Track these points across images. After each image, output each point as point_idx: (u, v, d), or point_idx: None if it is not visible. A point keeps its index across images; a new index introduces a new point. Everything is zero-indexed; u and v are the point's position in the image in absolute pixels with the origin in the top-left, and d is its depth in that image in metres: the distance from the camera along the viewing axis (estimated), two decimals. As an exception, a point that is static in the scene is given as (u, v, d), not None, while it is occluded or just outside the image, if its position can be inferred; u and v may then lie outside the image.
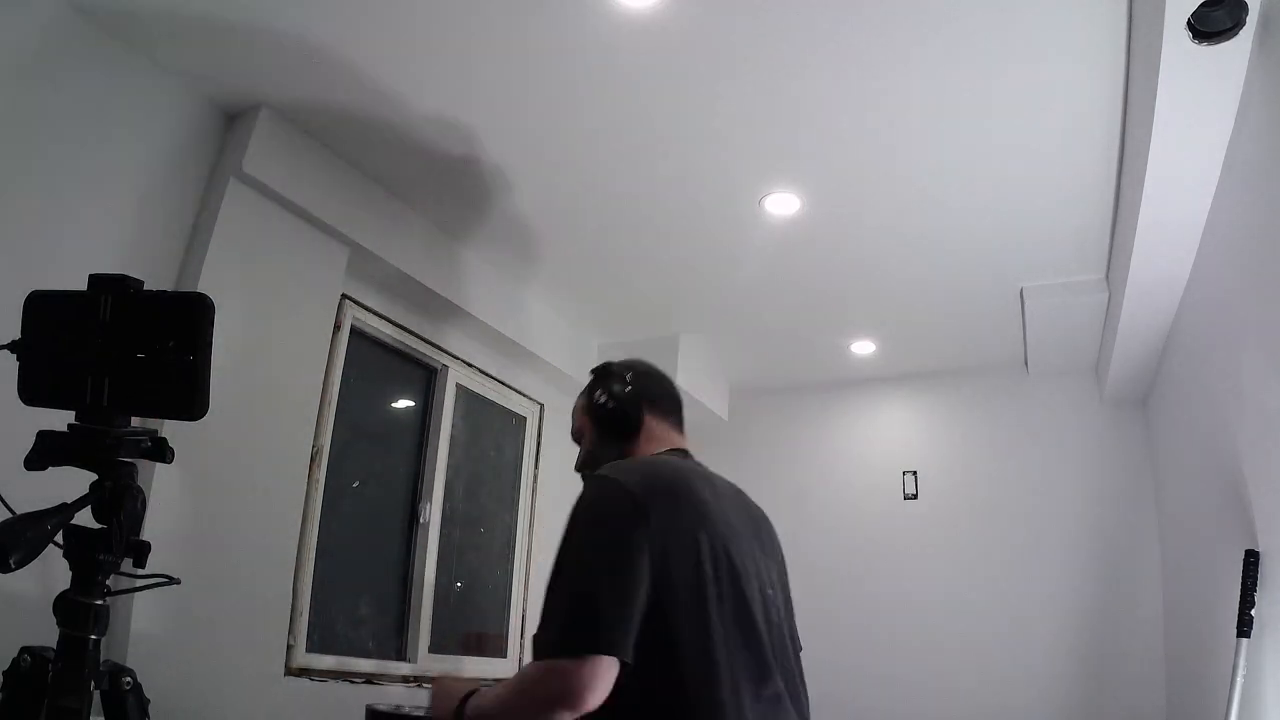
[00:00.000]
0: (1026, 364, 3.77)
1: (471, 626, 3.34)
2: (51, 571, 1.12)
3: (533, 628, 1.20)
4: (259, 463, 2.29)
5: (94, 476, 1.14)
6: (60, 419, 1.15)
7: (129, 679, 1.21)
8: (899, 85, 2.15)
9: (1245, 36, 1.60)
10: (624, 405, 1.60)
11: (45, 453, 1.12)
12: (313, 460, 2.51)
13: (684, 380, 3.73)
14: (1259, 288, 1.86)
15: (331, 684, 2.52)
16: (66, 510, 1.09)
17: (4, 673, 1.16)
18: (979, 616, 3.64)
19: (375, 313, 2.89)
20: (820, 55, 2.06)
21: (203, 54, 2.14)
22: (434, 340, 3.13)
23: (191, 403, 1.14)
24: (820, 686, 4.30)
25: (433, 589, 3.02)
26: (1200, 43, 1.61)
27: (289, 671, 2.38)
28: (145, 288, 1.17)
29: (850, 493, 4.10)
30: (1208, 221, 2.22)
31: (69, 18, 1.98)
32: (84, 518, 1.12)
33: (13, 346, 1.14)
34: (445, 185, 2.70)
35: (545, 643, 1.18)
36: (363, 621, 2.82)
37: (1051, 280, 3.12)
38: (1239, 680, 1.89)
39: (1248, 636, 1.91)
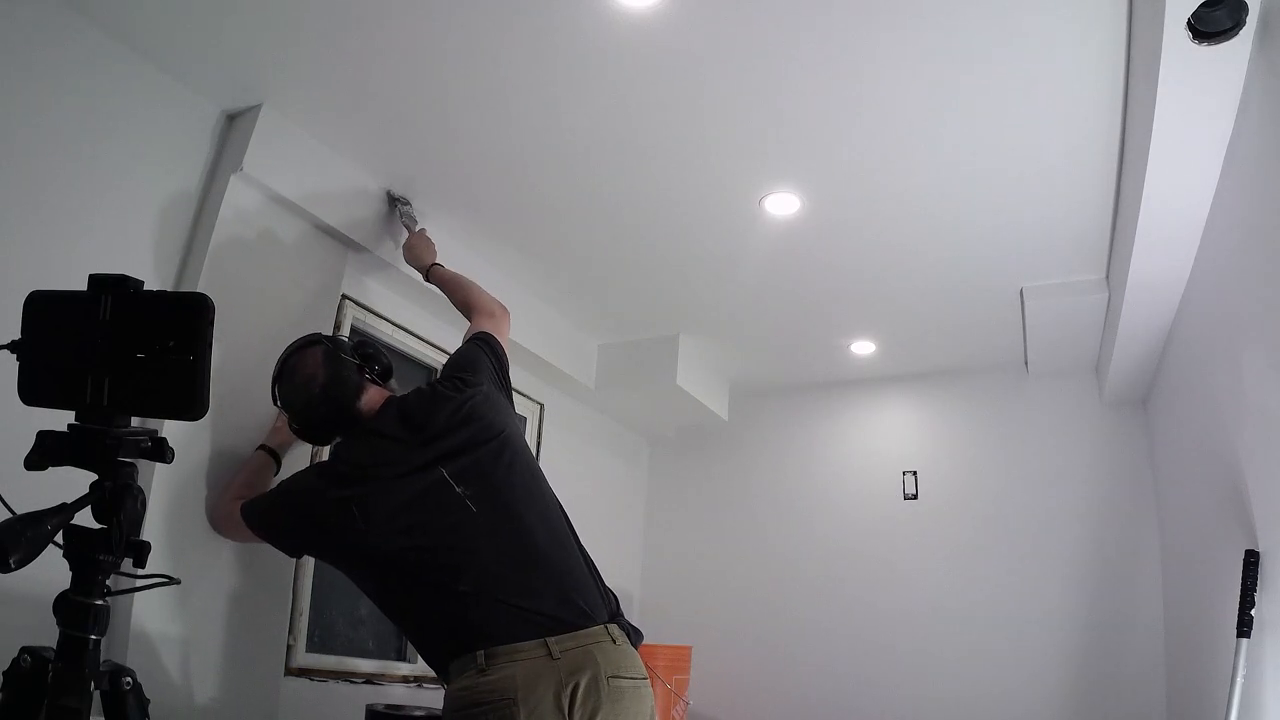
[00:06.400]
0: (1026, 364, 3.77)
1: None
2: (51, 571, 1.12)
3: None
4: (259, 463, 2.29)
5: (94, 476, 1.15)
6: (60, 419, 1.15)
7: (129, 679, 1.21)
8: (900, 85, 2.15)
9: (1245, 36, 1.61)
10: None
11: (45, 453, 1.12)
12: (313, 460, 2.50)
13: (684, 380, 3.74)
14: (1259, 288, 1.87)
15: (331, 684, 2.52)
16: (66, 510, 1.09)
17: (4, 673, 1.16)
18: (978, 616, 3.64)
19: (375, 313, 2.89)
20: (821, 56, 2.06)
21: (203, 53, 2.14)
22: (434, 340, 3.13)
23: (191, 403, 1.14)
24: (819, 686, 4.28)
25: (433, 589, 3.02)
26: (1200, 43, 1.61)
27: (289, 671, 2.37)
28: (145, 288, 1.17)
29: (850, 493, 4.10)
30: (1208, 221, 2.22)
31: (68, 17, 1.98)
32: (84, 518, 1.13)
33: (13, 346, 1.14)
34: (445, 185, 2.70)
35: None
36: (363, 621, 2.82)
37: (1051, 280, 3.12)
38: (1239, 680, 1.90)
39: (1248, 636, 1.91)
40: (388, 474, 1.77)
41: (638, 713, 1.65)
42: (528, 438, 3.71)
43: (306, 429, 1.98)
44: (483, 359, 2.05)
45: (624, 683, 1.64)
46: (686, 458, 4.52)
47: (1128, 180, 2.35)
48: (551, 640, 1.63)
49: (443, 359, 3.20)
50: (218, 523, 2.04)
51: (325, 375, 1.90)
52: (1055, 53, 2.00)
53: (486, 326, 2.21)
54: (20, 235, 1.85)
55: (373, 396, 1.93)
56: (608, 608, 1.77)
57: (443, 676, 1.72)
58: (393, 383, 2.05)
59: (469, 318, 2.33)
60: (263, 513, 1.89)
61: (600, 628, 1.70)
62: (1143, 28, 1.80)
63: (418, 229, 2.68)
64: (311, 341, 1.97)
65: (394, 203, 2.70)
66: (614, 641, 1.70)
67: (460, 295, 2.42)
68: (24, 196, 1.88)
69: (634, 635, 1.78)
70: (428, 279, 2.56)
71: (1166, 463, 3.23)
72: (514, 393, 3.58)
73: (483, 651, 1.61)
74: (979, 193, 2.59)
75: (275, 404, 1.99)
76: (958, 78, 2.11)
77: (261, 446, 2.16)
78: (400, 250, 2.68)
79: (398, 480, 1.76)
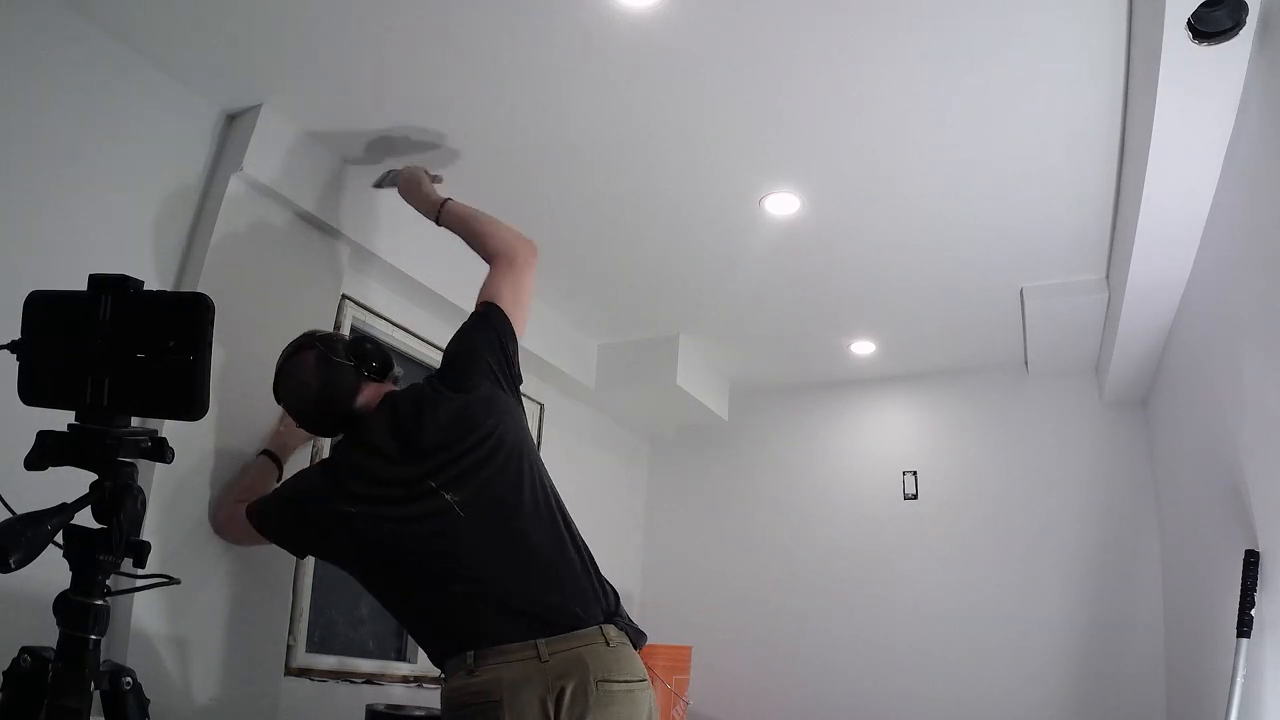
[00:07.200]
0: (1026, 364, 3.77)
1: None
2: (51, 571, 1.12)
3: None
4: (259, 463, 2.29)
5: (94, 476, 1.15)
6: (60, 419, 1.15)
7: (129, 679, 1.21)
8: (900, 85, 2.15)
9: (1245, 36, 1.61)
10: None
11: (45, 453, 1.12)
12: (313, 460, 2.50)
13: (684, 380, 3.74)
14: (1259, 288, 1.87)
15: (331, 684, 2.52)
16: (66, 510, 1.09)
17: (4, 673, 1.16)
18: (979, 616, 3.65)
19: (375, 313, 2.89)
20: (821, 55, 2.06)
21: (203, 53, 2.14)
22: (434, 340, 3.13)
23: (191, 403, 1.14)
24: (819, 686, 4.27)
25: (433, 589, 3.02)
26: (1200, 43, 1.61)
27: (289, 671, 2.37)
28: (145, 288, 1.17)
29: (850, 493, 4.10)
30: (1208, 221, 2.22)
31: (68, 17, 1.98)
32: (84, 518, 1.12)
33: (13, 346, 1.14)
34: (444, 184, 2.70)
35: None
36: (363, 621, 2.82)
37: (1051, 280, 3.12)
38: (1239, 680, 1.90)
39: (1248, 636, 1.91)
40: (380, 492, 1.77)
41: (630, 717, 1.61)
42: (528, 438, 3.71)
43: (309, 428, 2.03)
44: (481, 353, 1.96)
45: (615, 687, 1.60)
46: (686, 458, 4.53)
47: (1128, 180, 2.35)
48: (541, 642, 1.60)
49: (443, 359, 3.19)
50: (220, 527, 2.05)
51: (318, 381, 1.89)
52: (1055, 53, 2.00)
53: (502, 286, 2.01)
54: (20, 235, 1.85)
55: (369, 394, 1.92)
56: (604, 608, 1.73)
57: (442, 675, 1.72)
58: (396, 371, 2.02)
59: (488, 263, 2.09)
60: (270, 515, 1.90)
61: (595, 629, 1.66)
62: (1143, 28, 1.80)
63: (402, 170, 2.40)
64: (303, 345, 1.94)
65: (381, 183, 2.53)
66: (608, 643, 1.65)
67: (477, 238, 2.13)
68: (24, 196, 1.88)
69: (635, 635, 1.74)
70: (439, 222, 2.24)
71: (1166, 463, 3.24)
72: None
73: (472, 652, 1.60)
74: (979, 193, 2.59)
75: (279, 403, 2.02)
76: (958, 78, 2.11)
77: (264, 451, 2.18)
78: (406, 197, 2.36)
79: (392, 496, 1.76)
